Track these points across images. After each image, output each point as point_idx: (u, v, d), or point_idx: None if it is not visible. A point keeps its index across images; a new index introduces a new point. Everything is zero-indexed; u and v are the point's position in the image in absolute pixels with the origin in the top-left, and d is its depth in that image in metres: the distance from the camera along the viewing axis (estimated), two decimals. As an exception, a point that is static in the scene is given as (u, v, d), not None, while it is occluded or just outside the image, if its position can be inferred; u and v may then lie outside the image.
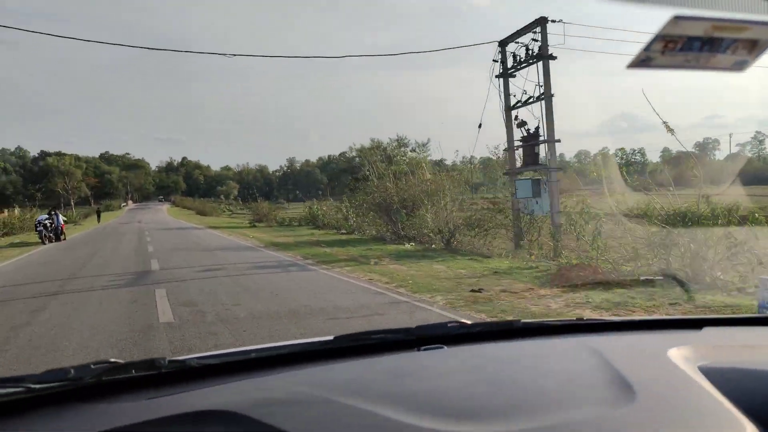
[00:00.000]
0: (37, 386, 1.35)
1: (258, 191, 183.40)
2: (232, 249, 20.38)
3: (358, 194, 25.45)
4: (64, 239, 28.74)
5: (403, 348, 1.85)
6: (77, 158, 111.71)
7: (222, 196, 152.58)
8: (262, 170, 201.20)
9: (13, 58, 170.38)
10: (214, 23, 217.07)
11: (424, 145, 34.74)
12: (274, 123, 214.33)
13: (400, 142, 36.00)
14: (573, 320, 2.14)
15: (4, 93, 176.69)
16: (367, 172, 24.39)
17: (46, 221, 27.23)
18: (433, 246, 17.28)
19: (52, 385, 1.38)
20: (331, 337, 1.89)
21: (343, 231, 25.35)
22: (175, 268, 14.56)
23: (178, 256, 17.81)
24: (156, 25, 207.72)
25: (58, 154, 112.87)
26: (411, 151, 36.36)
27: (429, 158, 29.89)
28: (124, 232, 35.06)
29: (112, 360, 1.54)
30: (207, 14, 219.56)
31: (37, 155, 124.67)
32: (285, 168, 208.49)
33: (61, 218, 29.15)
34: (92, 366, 1.45)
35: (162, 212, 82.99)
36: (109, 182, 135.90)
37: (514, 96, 17.02)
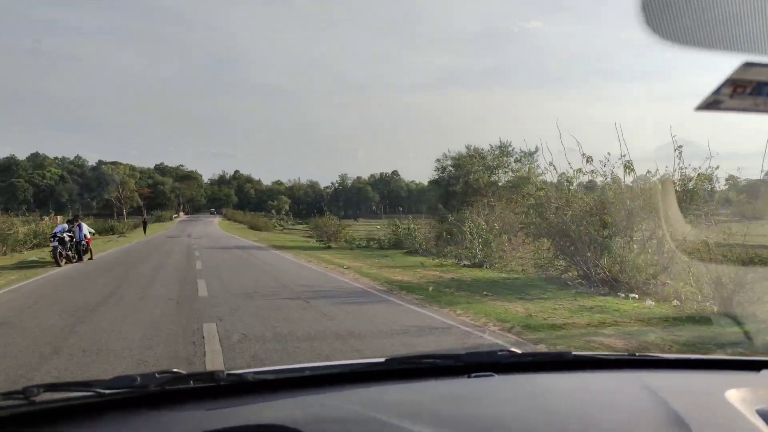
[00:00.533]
0: (107, 391, 1.44)
1: (308, 207, 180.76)
2: (339, 297, 11.79)
3: (501, 212, 19.42)
4: (90, 258, 22.11)
5: (453, 374, 1.85)
6: (131, 168, 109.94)
7: (273, 211, 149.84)
8: (313, 186, 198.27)
9: (77, 72, 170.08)
10: (274, 44, 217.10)
11: (531, 154, 28.61)
12: (326, 140, 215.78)
13: (503, 150, 29.94)
14: (626, 355, 2.10)
15: (67, 105, 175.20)
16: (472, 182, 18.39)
17: (65, 234, 20.12)
18: (694, 306, 9.67)
19: (119, 391, 1.47)
20: (382, 359, 1.90)
21: (466, 263, 18.50)
22: (264, 363, 6.56)
23: (253, 313, 9.54)
24: (216, 42, 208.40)
25: (114, 163, 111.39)
26: (515, 161, 30.18)
27: (539, 170, 23.29)
28: (168, 251, 29.94)
29: (175, 370, 1.61)
30: (267, 35, 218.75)
31: (94, 165, 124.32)
32: (336, 184, 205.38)
33: (86, 229, 22.03)
34: (157, 375, 1.53)
35: (213, 225, 79.23)
36: (162, 193, 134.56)
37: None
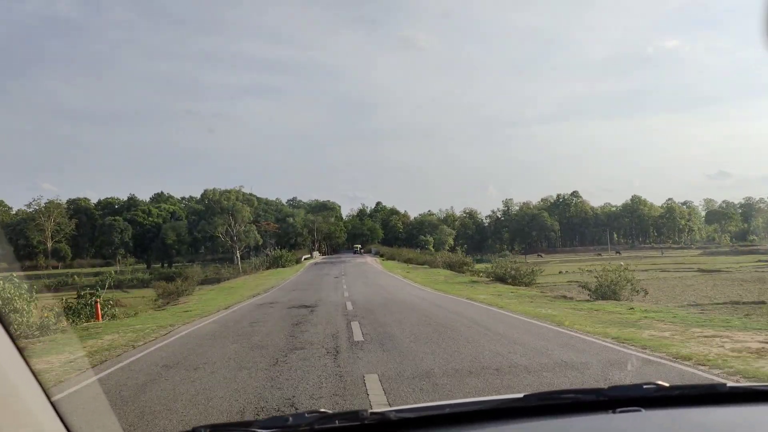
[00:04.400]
0: (264, 431, 1.60)
1: (469, 240, 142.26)
2: None
3: None
4: None
5: (596, 409, 1.79)
6: (246, 195, 77.62)
7: (429, 246, 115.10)
8: (471, 215, 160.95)
9: (224, 126, 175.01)
10: (408, 88, 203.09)
11: None
12: (461, 175, 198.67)
13: None
14: None
15: (217, 158, 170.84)
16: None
17: None
18: None
19: (275, 430, 1.63)
20: (521, 395, 1.87)
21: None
22: None
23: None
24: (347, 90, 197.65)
25: (226, 192, 79.72)
26: None
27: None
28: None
29: (322, 410, 1.73)
30: (391, 77, 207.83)
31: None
32: (498, 213, 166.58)
33: None
34: (306, 415, 1.67)
35: (373, 269, 44.58)
36: (292, 227, 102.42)
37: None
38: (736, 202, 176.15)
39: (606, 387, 1.88)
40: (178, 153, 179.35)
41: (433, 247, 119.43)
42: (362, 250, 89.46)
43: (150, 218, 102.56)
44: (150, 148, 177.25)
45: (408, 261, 57.19)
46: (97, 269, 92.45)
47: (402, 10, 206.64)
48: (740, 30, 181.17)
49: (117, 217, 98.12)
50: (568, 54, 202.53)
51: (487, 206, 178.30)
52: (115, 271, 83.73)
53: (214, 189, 73.67)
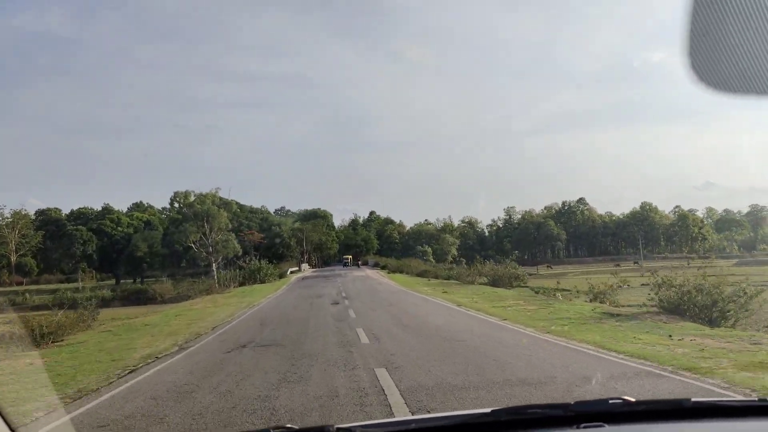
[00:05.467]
0: None
1: (468, 250, 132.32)
2: None
3: None
4: None
5: (561, 424, 1.78)
6: (223, 200, 67.20)
7: (429, 257, 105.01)
8: (471, 224, 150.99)
9: (212, 138, 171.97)
10: (396, 100, 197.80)
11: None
12: (450, 183, 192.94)
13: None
14: (754, 400, 1.91)
15: (201, 163, 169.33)
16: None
17: None
18: None
19: None
20: (488, 410, 1.87)
21: None
22: None
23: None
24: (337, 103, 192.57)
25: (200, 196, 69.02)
26: None
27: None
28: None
29: (288, 425, 1.75)
30: (382, 89, 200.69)
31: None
32: (499, 222, 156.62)
33: None
34: (271, 430, 1.71)
35: (384, 286, 35.64)
36: (278, 237, 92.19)
37: None
38: (736, 210, 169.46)
39: (573, 403, 1.83)
40: (165, 165, 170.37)
41: (433, 257, 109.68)
42: (359, 262, 78.07)
43: (120, 228, 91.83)
44: (137, 159, 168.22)
45: (422, 274, 46.94)
46: (67, 285, 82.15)
47: (393, 24, 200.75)
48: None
49: (79, 227, 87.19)
50: (558, 66, 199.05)
51: (481, 217, 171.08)
52: (78, 288, 73.59)
53: (186, 191, 63.32)
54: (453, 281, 37.67)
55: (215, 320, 18.17)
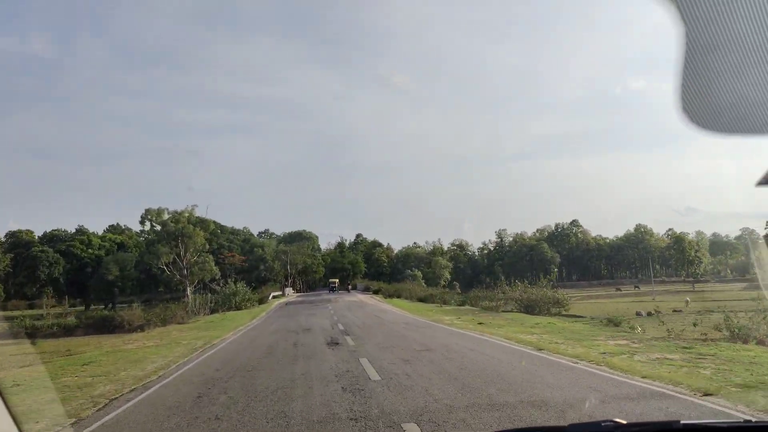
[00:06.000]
0: None
1: (459, 274, 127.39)
2: None
3: None
4: None
5: None
6: (200, 219, 61.91)
7: (418, 281, 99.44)
8: (462, 247, 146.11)
9: (197, 163, 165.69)
10: (383, 126, 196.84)
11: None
12: (435, 211, 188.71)
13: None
14: (740, 422, 1.89)
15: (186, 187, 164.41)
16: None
17: None
18: None
19: None
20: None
21: None
22: None
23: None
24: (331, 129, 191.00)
25: (175, 213, 63.48)
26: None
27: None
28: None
29: None
30: (367, 115, 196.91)
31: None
32: (490, 245, 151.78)
33: None
34: None
35: (388, 314, 29.15)
36: (261, 260, 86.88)
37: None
38: (723, 234, 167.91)
39: (567, 425, 1.80)
40: (150, 189, 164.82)
41: (425, 282, 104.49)
42: (348, 286, 72.05)
43: (90, 250, 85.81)
44: (119, 185, 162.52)
45: (425, 299, 41.62)
46: (30, 312, 75.85)
47: (377, 50, 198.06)
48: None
49: (45, 248, 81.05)
50: (540, 94, 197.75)
51: (470, 240, 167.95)
52: (42, 315, 67.45)
53: (159, 208, 57.74)
54: (468, 307, 32.54)
55: (128, 378, 11.29)
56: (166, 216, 59.03)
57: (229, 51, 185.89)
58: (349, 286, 70.29)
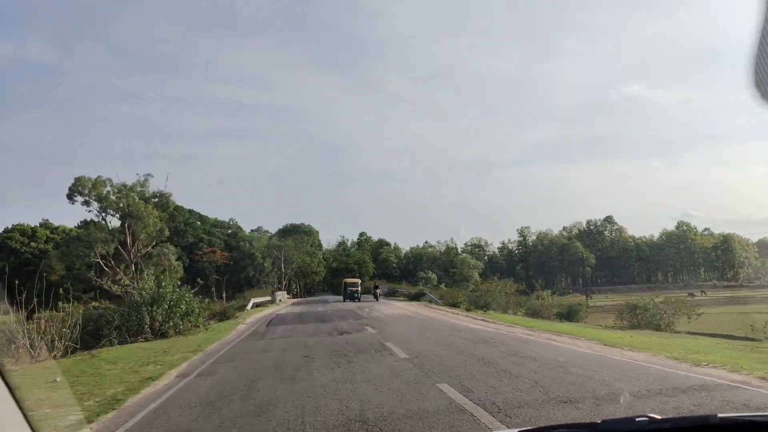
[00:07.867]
0: None
1: (480, 277, 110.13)
2: None
3: None
4: None
5: None
6: (159, 194, 44.46)
7: (433, 284, 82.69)
8: (481, 247, 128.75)
9: (194, 169, 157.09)
10: (383, 131, 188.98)
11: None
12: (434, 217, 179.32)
13: None
14: None
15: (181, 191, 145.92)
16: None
17: None
18: None
19: None
20: (515, 430, 1.83)
21: None
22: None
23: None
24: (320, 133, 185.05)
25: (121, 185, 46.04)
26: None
27: None
28: None
29: None
30: (375, 123, 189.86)
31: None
32: (510, 244, 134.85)
33: None
34: None
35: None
36: (248, 257, 69.54)
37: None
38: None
39: (599, 422, 1.82)
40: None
41: (445, 284, 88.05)
42: (377, 291, 50.77)
43: (33, 244, 68.48)
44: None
45: (537, 313, 24.21)
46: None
47: (372, 56, 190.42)
48: (697, 78, 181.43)
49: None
50: (537, 101, 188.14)
51: (487, 239, 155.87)
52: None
53: (96, 178, 40.16)
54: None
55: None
56: (107, 189, 41.67)
57: (225, 57, 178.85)
58: (377, 290, 50.20)
